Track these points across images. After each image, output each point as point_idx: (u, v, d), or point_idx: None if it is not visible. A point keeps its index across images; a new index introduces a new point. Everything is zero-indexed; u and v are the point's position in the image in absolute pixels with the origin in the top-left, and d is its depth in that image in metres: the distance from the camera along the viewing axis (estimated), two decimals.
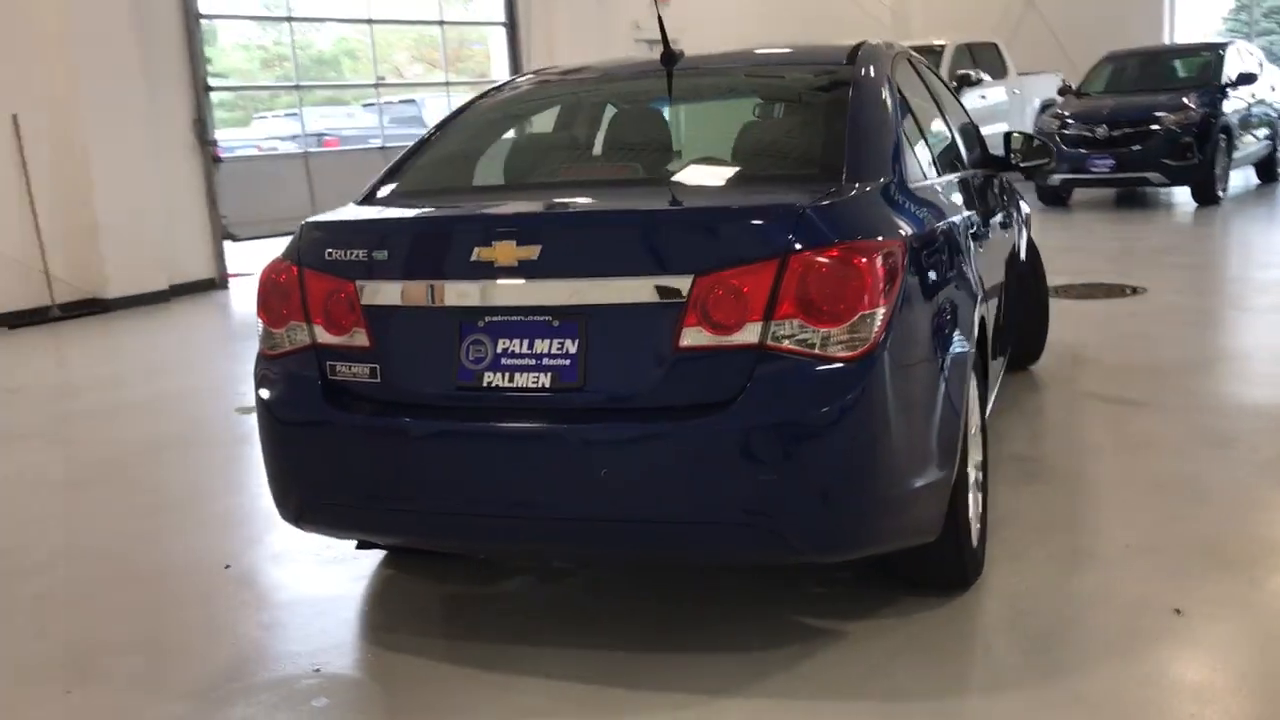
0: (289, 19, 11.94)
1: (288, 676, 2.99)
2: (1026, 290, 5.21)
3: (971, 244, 3.40)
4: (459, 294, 2.71)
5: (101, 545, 4.00)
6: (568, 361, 2.65)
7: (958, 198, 3.54)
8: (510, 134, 3.59)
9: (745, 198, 2.86)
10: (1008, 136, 4.85)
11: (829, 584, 3.29)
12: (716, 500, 2.56)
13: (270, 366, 2.97)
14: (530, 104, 3.77)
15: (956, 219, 3.28)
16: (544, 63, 13.27)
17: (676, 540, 2.64)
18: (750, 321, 2.54)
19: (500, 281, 2.68)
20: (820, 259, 2.54)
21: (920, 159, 3.37)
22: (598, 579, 3.40)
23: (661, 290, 2.58)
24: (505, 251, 2.65)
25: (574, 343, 2.64)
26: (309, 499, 2.90)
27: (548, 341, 2.66)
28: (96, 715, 2.87)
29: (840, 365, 2.55)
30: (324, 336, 2.87)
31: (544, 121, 3.69)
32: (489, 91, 3.72)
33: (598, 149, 3.48)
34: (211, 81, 10.81)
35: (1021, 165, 4.78)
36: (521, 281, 2.66)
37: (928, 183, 3.27)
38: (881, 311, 2.59)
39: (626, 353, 2.62)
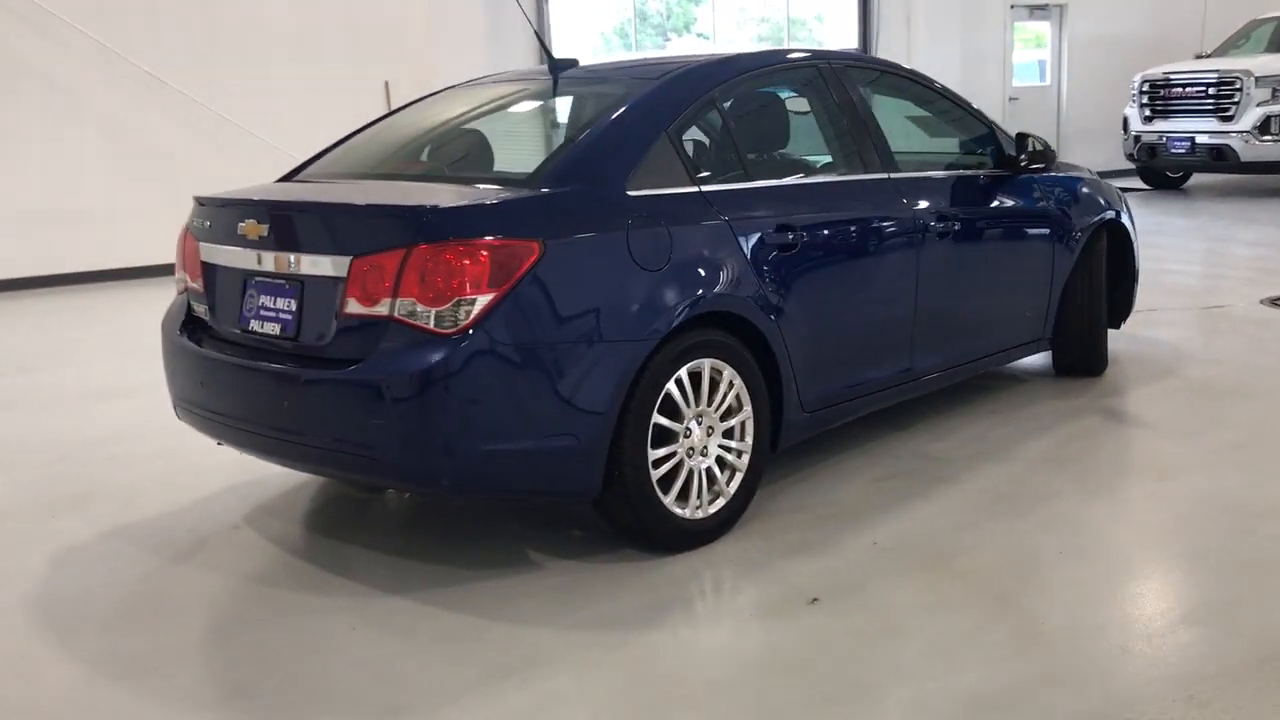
0: None
1: (176, 531, 4.04)
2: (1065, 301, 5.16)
3: (741, 248, 3.71)
4: (235, 257, 3.60)
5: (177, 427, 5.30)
6: (290, 317, 3.46)
7: (746, 206, 3.81)
8: (397, 132, 4.35)
9: (410, 198, 3.47)
10: (1019, 137, 4.90)
11: (589, 530, 3.84)
12: (353, 434, 3.27)
13: (174, 302, 4.04)
14: (426, 110, 4.48)
15: (700, 225, 3.62)
16: (896, 37, 13.43)
17: (336, 462, 3.37)
18: (385, 297, 3.22)
19: (253, 250, 3.54)
20: (431, 251, 3.15)
21: (695, 169, 3.74)
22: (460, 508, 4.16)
23: (334, 266, 3.32)
24: (252, 228, 3.51)
25: (294, 302, 3.45)
26: (175, 399, 3.93)
27: (282, 300, 3.49)
28: (48, 531, 4.08)
29: (439, 339, 3.15)
30: (190, 282, 3.88)
31: (431, 123, 4.39)
32: (423, 98, 4.53)
33: (418, 150, 4.16)
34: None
35: (1026, 166, 4.85)
36: (265, 252, 3.51)
37: (681, 191, 3.64)
38: (483, 299, 3.15)
39: (319, 314, 3.38)
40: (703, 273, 3.61)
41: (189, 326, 3.87)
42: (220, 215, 3.71)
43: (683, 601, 3.33)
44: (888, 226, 4.29)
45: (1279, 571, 3.34)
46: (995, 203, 4.84)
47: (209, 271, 3.77)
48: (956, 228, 4.59)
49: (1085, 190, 5.31)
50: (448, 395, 3.16)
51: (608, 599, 3.35)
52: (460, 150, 4.05)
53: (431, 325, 3.16)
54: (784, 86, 4.36)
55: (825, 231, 4.05)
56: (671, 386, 3.51)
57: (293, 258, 3.44)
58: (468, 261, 3.15)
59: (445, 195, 3.45)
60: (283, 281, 3.48)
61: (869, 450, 4.52)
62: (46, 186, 9.86)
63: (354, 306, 3.28)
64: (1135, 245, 5.65)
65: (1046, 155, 4.88)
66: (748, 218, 3.77)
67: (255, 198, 3.61)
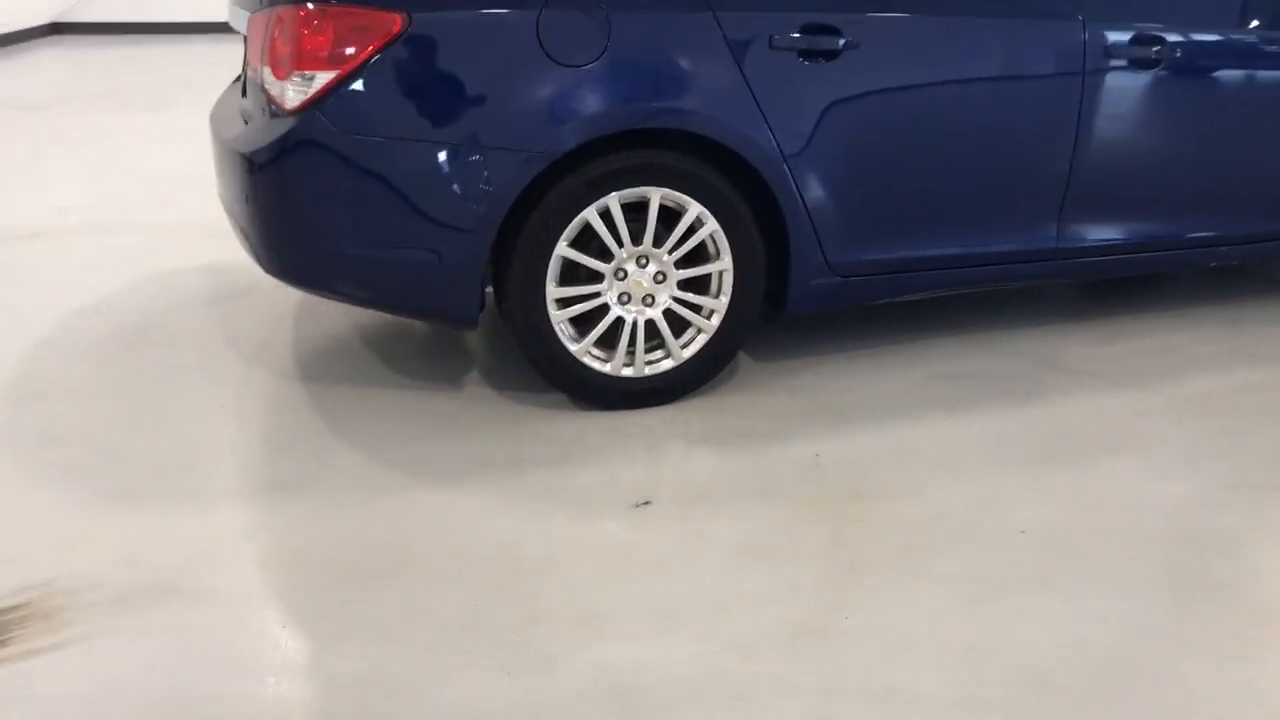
0: None
1: (242, 276, 4.15)
2: None
3: (731, 50, 2.87)
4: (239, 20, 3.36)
5: None
6: (243, 77, 3.28)
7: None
8: None
9: None
10: None
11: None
12: (242, 215, 3.07)
13: None
14: None
15: (668, 15, 2.85)
16: None
17: (246, 247, 3.16)
18: (258, 63, 2.93)
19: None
20: (285, 15, 2.78)
21: None
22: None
23: (246, 25, 3.06)
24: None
25: (244, 63, 3.25)
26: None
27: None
28: (169, 252, 4.39)
29: (281, 116, 2.82)
30: None
31: None
32: None
33: None
34: None
35: None
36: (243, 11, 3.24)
37: None
38: (324, 76, 2.74)
39: (249, 76, 3.15)
40: (655, 77, 2.87)
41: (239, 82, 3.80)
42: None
43: (524, 465, 2.84)
44: (1030, 43, 3.14)
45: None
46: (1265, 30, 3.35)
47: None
48: (1183, 57, 3.26)
49: None
50: (282, 180, 2.86)
51: (455, 440, 2.96)
52: None
53: (279, 99, 2.82)
54: None
55: (898, 40, 3.04)
56: (591, 215, 2.90)
57: (244, 15, 3.19)
58: (309, 30, 2.74)
59: None
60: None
61: (981, 337, 3.50)
62: None
63: (250, 70, 3.03)
64: None
65: None
66: (752, 10, 2.91)
67: None
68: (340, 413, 3.10)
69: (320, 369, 3.37)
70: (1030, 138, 3.21)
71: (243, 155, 2.91)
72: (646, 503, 2.65)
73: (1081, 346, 3.45)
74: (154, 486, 2.75)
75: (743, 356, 3.38)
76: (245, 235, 3.05)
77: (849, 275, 3.17)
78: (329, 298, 3.09)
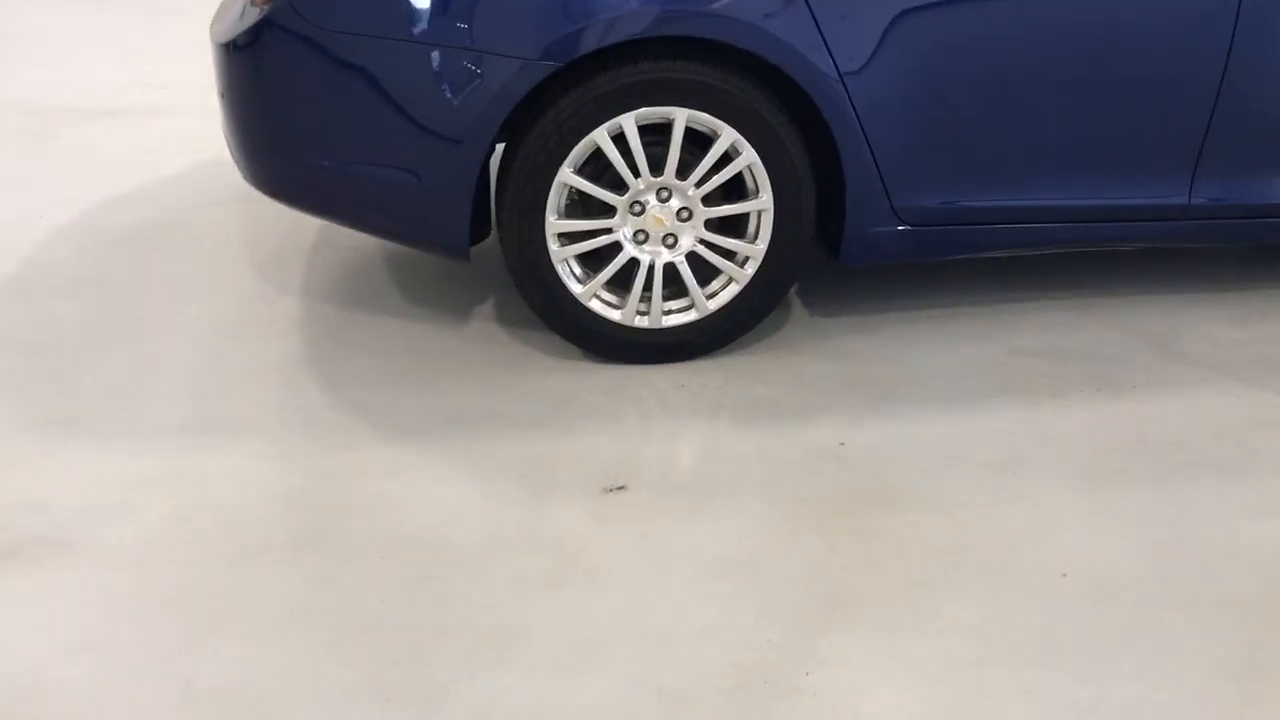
0: None
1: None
2: None
3: None
4: None
5: None
6: None
7: None
8: None
9: None
10: None
11: None
12: (221, 114, 2.74)
13: None
14: None
15: None
16: None
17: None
18: None
19: None
20: None
21: None
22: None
23: None
24: None
25: None
26: None
27: None
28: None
29: (256, 13, 2.47)
30: None
31: None
32: None
33: None
34: None
35: None
36: None
37: None
38: None
39: None
40: None
41: None
42: None
43: (500, 425, 2.49)
44: None
45: None
46: None
47: None
48: None
49: None
50: (250, 77, 2.55)
51: (437, 386, 2.62)
52: None
53: None
54: None
55: None
56: (602, 137, 2.46)
57: None
58: None
59: None
60: None
61: (1084, 305, 2.94)
62: None
63: None
64: None
65: None
66: None
67: None
68: (326, 341, 2.79)
69: (326, 287, 3.06)
70: (1162, 65, 2.60)
71: (218, 47, 2.58)
72: (621, 487, 2.26)
73: (1207, 326, 2.85)
74: (95, 413, 2.51)
75: (793, 302, 2.92)
76: (225, 138, 2.73)
77: (920, 224, 2.66)
78: (307, 213, 2.76)
